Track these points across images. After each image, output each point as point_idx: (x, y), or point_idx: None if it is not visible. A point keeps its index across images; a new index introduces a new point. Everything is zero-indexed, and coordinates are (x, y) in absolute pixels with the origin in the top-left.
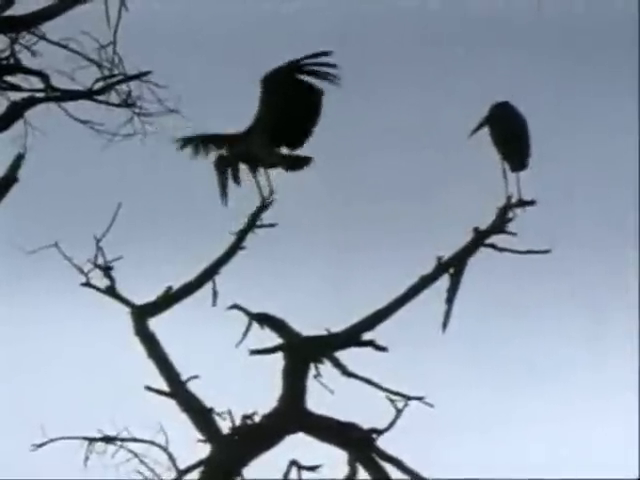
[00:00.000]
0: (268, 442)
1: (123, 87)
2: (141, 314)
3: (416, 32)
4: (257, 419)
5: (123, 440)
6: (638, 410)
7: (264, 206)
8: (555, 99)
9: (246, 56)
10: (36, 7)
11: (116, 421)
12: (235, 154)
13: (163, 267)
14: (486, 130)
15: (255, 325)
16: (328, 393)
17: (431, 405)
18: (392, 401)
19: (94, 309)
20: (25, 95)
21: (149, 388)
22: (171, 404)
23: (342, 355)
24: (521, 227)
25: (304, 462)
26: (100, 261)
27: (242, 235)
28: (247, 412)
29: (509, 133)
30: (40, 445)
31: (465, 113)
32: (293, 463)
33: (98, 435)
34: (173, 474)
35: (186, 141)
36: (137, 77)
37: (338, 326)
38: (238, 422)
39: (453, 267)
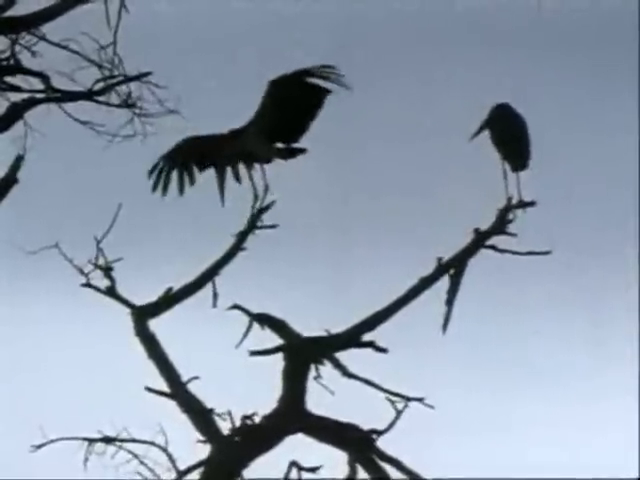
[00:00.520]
0: (268, 443)
1: (123, 88)
2: (141, 315)
3: (417, 32)
4: (257, 420)
5: (123, 441)
6: (638, 412)
7: (264, 207)
8: (555, 99)
9: (246, 57)
10: (36, 8)
11: (116, 422)
12: (233, 152)
13: (163, 268)
14: (486, 131)
15: (255, 326)
16: (328, 394)
17: (431, 406)
18: (392, 402)
19: (94, 310)
20: (25, 96)
21: (149, 389)
22: (171, 405)
23: (342, 356)
24: (521, 228)
25: (304, 463)
26: (100, 262)
27: (242, 236)
28: (247, 413)
29: (509, 134)
30: (39, 446)
31: (465, 115)
32: (293, 464)
33: (98, 436)
34: (173, 475)
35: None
36: (137, 78)
37: (338, 327)
38: (238, 423)
39: (453, 268)
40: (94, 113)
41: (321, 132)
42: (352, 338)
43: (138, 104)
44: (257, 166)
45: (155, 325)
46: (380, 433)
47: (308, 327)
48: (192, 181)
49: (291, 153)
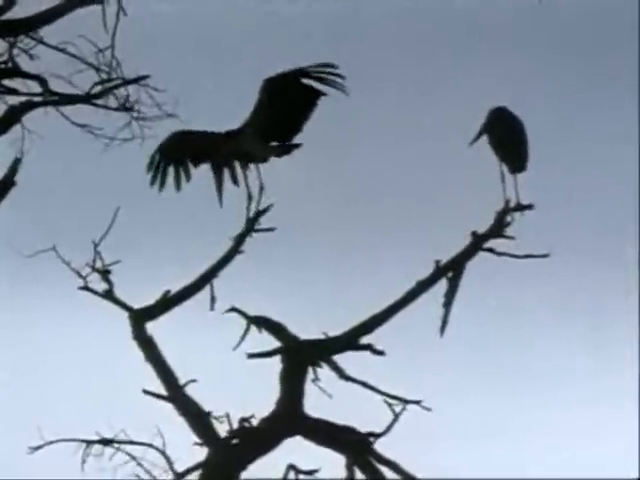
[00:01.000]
0: (266, 446)
1: (121, 91)
2: (139, 318)
3: (415, 33)
4: (255, 422)
5: (120, 442)
6: (638, 416)
7: (262, 210)
8: (554, 101)
9: (245, 60)
10: (34, 11)
11: (113, 424)
12: (230, 153)
13: (161, 271)
14: (484, 135)
15: (253, 329)
16: (326, 397)
17: (428, 409)
18: (390, 405)
19: (92, 313)
20: (23, 99)
21: (147, 392)
22: (169, 407)
23: (340, 359)
24: (519, 231)
25: (302, 466)
26: (98, 265)
27: (240, 239)
28: (245, 415)
29: (507, 136)
30: (37, 447)
31: (463, 117)
32: (291, 467)
33: (95, 437)
34: (170, 477)
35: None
36: (135, 81)
37: (336, 330)
38: (236, 425)
39: (451, 271)
40: (92, 116)
41: (319, 134)
42: (350, 341)
43: (136, 107)
44: (252, 166)
45: (153, 328)
46: (378, 436)
47: (306, 330)
48: (188, 177)
49: (286, 150)
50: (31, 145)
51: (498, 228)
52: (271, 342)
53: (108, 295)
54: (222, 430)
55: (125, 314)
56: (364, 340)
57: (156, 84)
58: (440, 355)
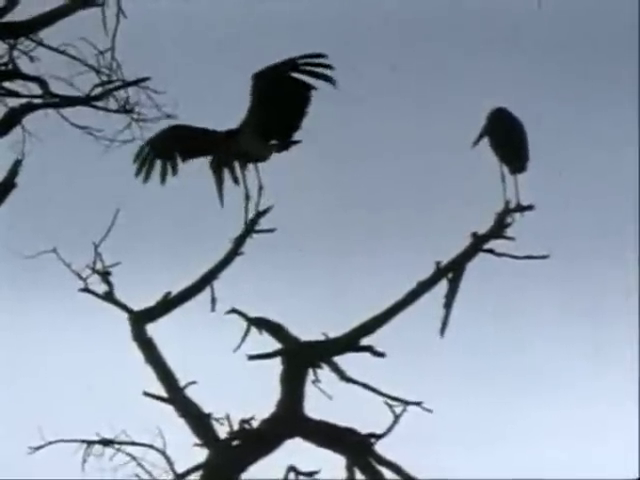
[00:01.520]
0: (266, 447)
1: (121, 93)
2: (139, 319)
3: (416, 36)
4: (255, 424)
5: (121, 443)
6: (638, 417)
7: (262, 212)
8: (554, 103)
9: (244, 61)
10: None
11: (114, 424)
12: (230, 153)
13: (161, 272)
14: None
15: (253, 330)
16: (326, 398)
17: (429, 410)
18: (390, 406)
19: (92, 314)
20: (23, 101)
21: (147, 394)
22: (169, 408)
23: (340, 360)
24: (519, 232)
25: (302, 467)
26: (98, 266)
27: (240, 240)
28: (245, 417)
29: (507, 137)
30: (38, 448)
31: (463, 118)
32: (291, 468)
33: (96, 438)
34: (171, 477)
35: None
36: (135, 83)
37: (336, 331)
38: (236, 427)
39: (451, 272)
40: (92, 118)
41: (320, 136)
42: (350, 342)
43: (136, 109)
44: (250, 166)
45: (153, 329)
46: (378, 437)
47: (306, 331)
48: (174, 171)
49: (284, 146)
50: (31, 147)
51: (498, 229)
52: (272, 344)
53: (108, 297)
54: (222, 431)
55: (125, 316)
56: (364, 341)
57: (156, 86)
58: (441, 356)
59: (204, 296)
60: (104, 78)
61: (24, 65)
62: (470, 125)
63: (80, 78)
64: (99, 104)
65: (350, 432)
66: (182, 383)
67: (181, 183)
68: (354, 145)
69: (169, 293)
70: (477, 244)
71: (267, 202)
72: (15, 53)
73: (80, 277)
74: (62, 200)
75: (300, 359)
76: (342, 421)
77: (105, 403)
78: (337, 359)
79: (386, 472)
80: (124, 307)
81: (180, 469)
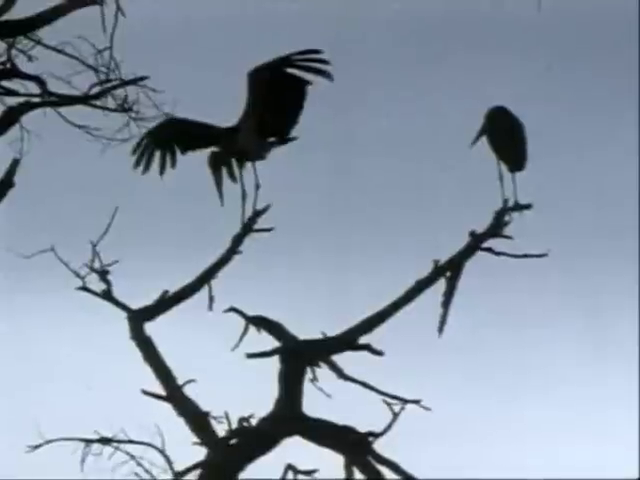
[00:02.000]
0: (265, 446)
1: (120, 92)
2: (137, 318)
3: (416, 35)
4: (254, 422)
5: (120, 442)
6: (638, 415)
7: (261, 210)
8: (552, 101)
9: (243, 60)
10: (33, 11)
11: (113, 423)
12: (228, 151)
13: (159, 271)
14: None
15: (252, 329)
16: (325, 396)
17: (428, 408)
18: (389, 405)
19: (90, 313)
20: (21, 100)
21: (145, 392)
22: (168, 406)
23: (339, 359)
24: (518, 231)
25: (300, 466)
26: (96, 265)
27: (238, 239)
28: (244, 415)
29: (505, 135)
30: (36, 447)
31: (462, 117)
32: (289, 467)
33: (95, 437)
34: (169, 476)
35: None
36: (134, 82)
37: (334, 330)
38: (235, 425)
39: (450, 271)
40: (90, 117)
41: (318, 134)
42: (348, 341)
43: (134, 108)
44: (248, 165)
45: (151, 328)
46: (377, 436)
47: (304, 330)
48: (173, 163)
49: (281, 142)
50: (30, 146)
51: (496, 228)
52: (270, 342)
53: (106, 295)
54: (221, 430)
55: (124, 314)
56: (363, 340)
57: (154, 85)
58: (439, 354)
59: (202, 295)
60: (102, 77)
61: (22, 64)
62: (469, 124)
63: (78, 77)
64: (97, 103)
65: (349, 430)
66: (181, 381)
67: (179, 182)
68: (352, 144)
69: (167, 292)
70: (475, 243)
71: (265, 201)
72: (13, 52)
73: (78, 276)
74: (60, 199)
75: (298, 357)
76: (341, 419)
77: (103, 402)
78: (335, 357)
79: (385, 471)
80: (122, 306)
81: (179, 468)
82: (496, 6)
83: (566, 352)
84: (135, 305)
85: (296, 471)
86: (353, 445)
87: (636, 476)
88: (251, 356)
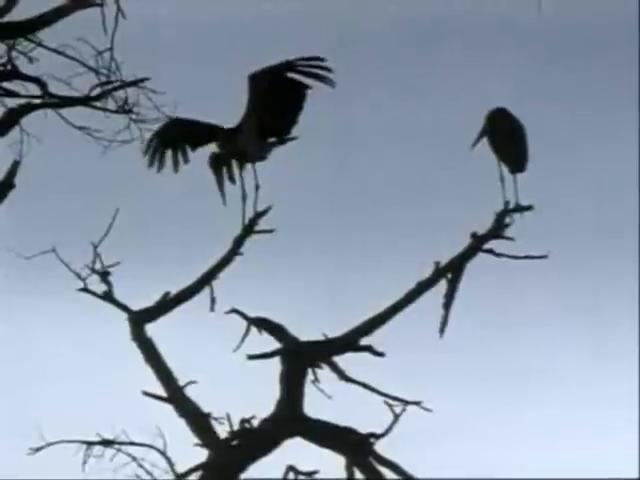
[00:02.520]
0: (266, 447)
1: (120, 93)
2: (138, 319)
3: (416, 35)
4: (255, 423)
5: (121, 444)
6: (638, 415)
7: (261, 212)
8: (554, 103)
9: (243, 62)
10: (34, 13)
11: (114, 425)
12: (228, 152)
13: (160, 272)
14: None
15: (253, 330)
16: (326, 398)
17: (429, 410)
18: (390, 406)
19: (91, 314)
20: (22, 101)
21: (147, 393)
22: (170, 408)
23: (340, 360)
24: (519, 232)
25: (301, 467)
26: (97, 266)
27: (240, 240)
28: (245, 416)
29: (506, 136)
30: (38, 449)
31: (462, 117)
32: (290, 468)
33: (96, 439)
34: (171, 478)
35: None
36: (134, 83)
37: (336, 331)
38: (236, 426)
39: (451, 272)
40: (91, 119)
41: (318, 135)
42: (349, 342)
43: (135, 110)
44: (248, 166)
45: (152, 329)
46: (378, 437)
47: (306, 331)
48: (186, 159)
49: (281, 142)
50: (30, 148)
51: (497, 229)
52: (271, 343)
53: (107, 297)
54: (222, 431)
55: (125, 316)
56: (364, 341)
57: (155, 86)
58: (440, 356)
59: (204, 296)
60: (103, 79)
61: (23, 65)
62: (470, 125)
63: (79, 78)
64: (98, 104)
65: (350, 432)
66: (182, 383)
67: (180, 183)
68: (353, 145)
69: (168, 293)
70: (476, 244)
71: (265, 201)
72: (14, 53)
73: (79, 277)
74: (61, 200)
75: (300, 359)
76: (342, 421)
77: (105, 403)
78: (337, 359)
79: (386, 472)
80: (123, 307)
81: (180, 469)
82: (496, 6)
83: (566, 352)
84: (136, 306)
85: (297, 472)
86: (354, 446)
87: (636, 476)
88: (252, 357)
